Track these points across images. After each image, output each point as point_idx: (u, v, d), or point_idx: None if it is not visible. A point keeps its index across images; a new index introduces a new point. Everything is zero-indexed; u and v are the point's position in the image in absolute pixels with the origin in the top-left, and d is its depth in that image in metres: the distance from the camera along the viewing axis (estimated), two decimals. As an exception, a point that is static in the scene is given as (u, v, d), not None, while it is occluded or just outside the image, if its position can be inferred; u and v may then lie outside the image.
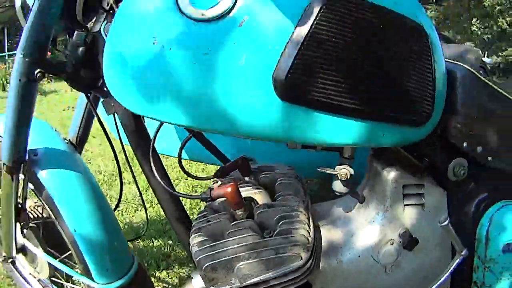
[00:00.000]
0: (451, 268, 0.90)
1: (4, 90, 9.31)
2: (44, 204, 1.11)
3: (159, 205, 1.10)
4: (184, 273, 1.82)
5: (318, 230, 0.94)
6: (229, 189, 0.79)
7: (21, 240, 1.26)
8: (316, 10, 0.65)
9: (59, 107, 6.90)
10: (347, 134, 0.73)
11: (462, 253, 0.90)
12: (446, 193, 0.98)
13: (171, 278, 1.77)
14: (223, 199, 0.84)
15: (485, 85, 0.96)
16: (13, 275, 1.48)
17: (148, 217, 1.74)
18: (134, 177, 1.25)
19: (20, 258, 1.34)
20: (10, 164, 1.01)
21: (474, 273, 1.00)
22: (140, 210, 2.24)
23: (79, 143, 1.27)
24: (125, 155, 1.17)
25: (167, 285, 1.74)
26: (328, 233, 0.95)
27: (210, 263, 0.78)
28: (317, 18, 0.65)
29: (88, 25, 0.95)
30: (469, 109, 0.93)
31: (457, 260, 0.90)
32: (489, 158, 0.98)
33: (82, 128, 1.26)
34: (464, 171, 0.95)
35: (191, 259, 1.83)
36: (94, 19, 0.95)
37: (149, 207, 2.26)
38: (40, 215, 1.30)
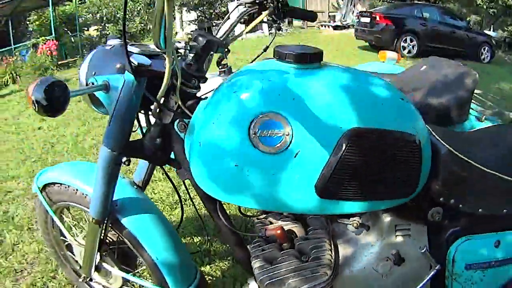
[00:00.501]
0: (428, 277, 1.27)
1: (14, 82, 9.14)
2: (125, 239, 1.37)
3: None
4: (224, 266, 2.09)
5: (337, 248, 1.29)
6: (279, 231, 1.19)
7: (97, 261, 1.49)
8: (344, 144, 1.00)
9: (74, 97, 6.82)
10: (359, 207, 1.10)
11: (436, 268, 1.27)
12: (426, 228, 1.33)
13: (215, 271, 2.06)
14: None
15: (460, 160, 1.24)
16: None
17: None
18: (181, 202, 1.57)
19: (95, 275, 1.57)
20: (99, 218, 1.28)
21: (446, 281, 1.37)
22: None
23: (144, 185, 1.50)
24: (190, 197, 1.52)
25: (212, 278, 2.02)
26: (343, 250, 1.30)
27: (268, 281, 1.15)
28: (345, 149, 1.00)
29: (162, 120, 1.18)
30: (446, 178, 1.25)
31: (432, 272, 1.27)
32: (460, 206, 1.30)
33: (147, 175, 1.48)
34: (439, 216, 1.30)
35: (228, 254, 2.17)
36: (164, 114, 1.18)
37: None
38: (114, 241, 1.53)
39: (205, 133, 1.03)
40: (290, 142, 0.99)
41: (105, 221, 1.31)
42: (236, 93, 1.02)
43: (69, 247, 1.74)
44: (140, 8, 15.58)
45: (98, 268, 1.52)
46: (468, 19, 12.03)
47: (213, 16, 15.55)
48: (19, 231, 2.55)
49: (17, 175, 3.47)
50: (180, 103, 1.13)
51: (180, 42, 1.14)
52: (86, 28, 15.46)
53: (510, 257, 1.42)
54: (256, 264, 1.19)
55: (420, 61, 2.40)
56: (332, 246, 1.25)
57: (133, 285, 1.63)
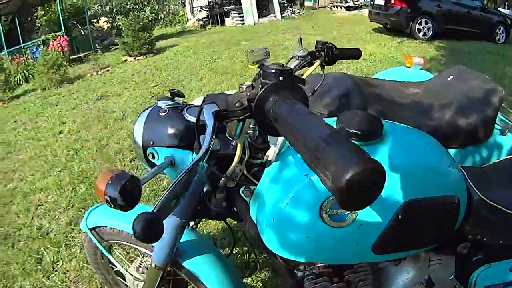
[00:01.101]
0: None
1: (27, 81, 9.24)
2: (185, 276, 1.42)
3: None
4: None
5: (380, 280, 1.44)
6: (330, 269, 1.34)
7: None
8: (400, 215, 1.11)
9: (90, 95, 6.78)
10: (404, 255, 1.29)
11: None
12: (454, 258, 1.44)
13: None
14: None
15: (489, 205, 1.34)
16: None
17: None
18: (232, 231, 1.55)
19: None
20: (163, 267, 1.31)
21: None
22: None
23: (196, 224, 1.52)
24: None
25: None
26: (384, 277, 1.44)
27: None
28: (400, 219, 1.11)
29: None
30: (477, 221, 1.36)
31: None
32: (484, 240, 1.40)
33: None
34: (467, 250, 1.42)
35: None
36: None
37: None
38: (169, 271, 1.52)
39: (278, 210, 1.10)
40: (356, 217, 1.10)
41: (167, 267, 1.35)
42: (308, 176, 1.08)
43: (119, 273, 1.76)
44: (150, -2, 15.48)
45: None
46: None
47: (224, 1, 15.48)
48: (56, 248, 2.55)
49: (45, 187, 3.46)
50: (246, 173, 1.20)
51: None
52: (95, 20, 15.32)
53: None
54: None
55: (445, 69, 2.37)
56: (376, 276, 1.39)
57: None
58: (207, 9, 15.27)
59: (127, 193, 0.81)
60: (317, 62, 1.67)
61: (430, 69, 6.87)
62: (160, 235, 0.78)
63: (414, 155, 1.21)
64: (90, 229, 1.53)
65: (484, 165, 1.80)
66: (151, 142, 1.23)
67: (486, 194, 1.37)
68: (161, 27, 16.36)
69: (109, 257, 1.60)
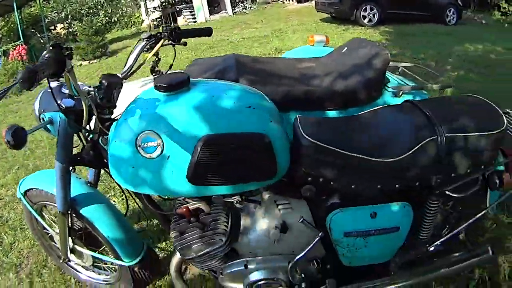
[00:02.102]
0: (313, 242, 1.57)
1: None
2: (86, 224, 1.79)
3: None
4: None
5: (237, 220, 1.58)
6: (185, 210, 1.52)
7: (71, 245, 1.91)
8: (199, 147, 1.32)
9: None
10: (226, 190, 1.43)
11: (319, 235, 1.57)
12: (305, 202, 1.59)
13: (169, 246, 2.50)
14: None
15: (322, 148, 1.45)
16: (67, 271, 2.24)
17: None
18: (127, 202, 1.92)
19: (72, 257, 2.00)
20: (63, 211, 1.71)
21: (333, 246, 1.63)
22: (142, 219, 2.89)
23: (95, 183, 1.95)
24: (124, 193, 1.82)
25: (167, 252, 2.47)
26: (244, 221, 1.62)
27: (180, 247, 1.47)
28: (200, 151, 1.32)
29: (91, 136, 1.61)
30: (308, 163, 1.49)
31: (316, 238, 1.57)
32: (331, 184, 1.53)
33: (95, 176, 1.94)
34: (312, 193, 1.53)
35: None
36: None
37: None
38: (81, 228, 1.92)
39: (113, 147, 1.41)
40: (162, 150, 1.34)
41: (69, 212, 1.75)
42: (126, 120, 1.38)
43: (52, 238, 2.15)
44: (103, 2, 15.58)
45: (73, 251, 1.95)
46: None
47: (176, 1, 15.62)
48: (13, 232, 2.98)
49: (5, 183, 3.89)
50: (100, 125, 1.54)
51: (90, 87, 1.55)
52: (53, 27, 15.30)
53: (388, 227, 1.61)
54: (172, 235, 1.51)
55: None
56: (230, 218, 1.52)
57: (100, 260, 2.04)
58: (160, 10, 15.40)
59: (16, 136, 1.19)
60: (162, 40, 1.90)
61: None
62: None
63: (213, 98, 1.41)
64: (23, 195, 1.93)
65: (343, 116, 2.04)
66: (42, 110, 1.62)
67: (323, 137, 1.46)
68: (117, 30, 16.40)
69: (40, 220, 2.00)
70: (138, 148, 1.35)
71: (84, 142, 1.64)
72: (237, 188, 1.45)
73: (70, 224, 1.84)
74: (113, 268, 2.13)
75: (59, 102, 1.46)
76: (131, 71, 1.74)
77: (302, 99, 2.19)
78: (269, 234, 1.61)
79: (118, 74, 1.63)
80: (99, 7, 15.52)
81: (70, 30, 14.68)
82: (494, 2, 13.45)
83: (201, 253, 1.47)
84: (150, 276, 2.02)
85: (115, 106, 1.58)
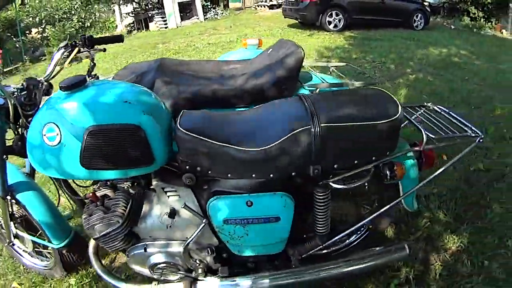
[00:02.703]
0: (198, 229, 1.67)
1: None
2: (22, 209, 2.04)
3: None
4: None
5: (138, 207, 1.71)
6: (91, 194, 1.69)
7: (14, 231, 2.16)
8: (86, 136, 1.47)
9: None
10: (114, 175, 1.57)
11: (203, 221, 1.66)
12: (189, 189, 1.70)
13: None
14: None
15: (193, 138, 1.54)
16: (13, 254, 2.45)
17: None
18: (58, 191, 2.00)
19: (16, 242, 2.26)
20: (3, 196, 1.95)
21: (217, 233, 1.72)
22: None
23: (32, 173, 2.22)
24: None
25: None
26: (145, 207, 1.75)
27: (86, 227, 1.62)
28: (87, 141, 1.47)
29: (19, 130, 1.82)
30: (183, 152, 1.58)
31: (201, 225, 1.67)
32: (209, 173, 1.61)
33: (31, 167, 2.18)
34: (191, 181, 1.64)
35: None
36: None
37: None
38: (22, 215, 2.13)
39: (29, 137, 1.61)
40: (61, 139, 1.51)
41: (8, 198, 1.97)
42: (38, 114, 1.60)
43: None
44: (77, 7, 15.61)
45: (17, 237, 2.21)
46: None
47: (149, 6, 15.66)
48: None
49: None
50: (24, 120, 1.78)
51: (14, 88, 1.81)
52: (28, 32, 15.38)
53: (266, 216, 1.66)
54: (83, 217, 1.67)
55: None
56: (131, 203, 1.64)
57: (39, 245, 2.30)
58: (133, 15, 15.49)
59: None
60: (76, 49, 2.14)
61: (332, 56, 7.45)
62: None
63: (98, 95, 1.56)
64: None
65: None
66: None
67: (193, 129, 1.56)
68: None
69: None
70: (44, 137, 1.53)
71: (14, 134, 1.86)
72: (121, 174, 1.58)
73: (11, 210, 2.07)
74: (52, 254, 2.32)
75: None
76: (52, 75, 2.01)
77: (210, 98, 2.30)
78: (162, 220, 1.75)
79: (41, 78, 1.92)
80: (73, 12, 15.52)
81: (44, 34, 14.70)
82: (464, 8, 13.73)
83: (102, 233, 1.61)
84: (78, 259, 2.25)
85: (37, 104, 1.84)
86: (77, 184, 1.95)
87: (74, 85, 1.55)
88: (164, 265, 1.80)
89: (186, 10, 15.22)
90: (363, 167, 1.61)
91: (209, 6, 16.01)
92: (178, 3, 14.64)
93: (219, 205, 1.65)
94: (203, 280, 1.79)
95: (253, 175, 1.58)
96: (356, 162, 1.58)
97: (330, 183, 1.63)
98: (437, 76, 6.18)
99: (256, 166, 1.55)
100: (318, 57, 7.56)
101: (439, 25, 12.97)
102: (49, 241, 2.10)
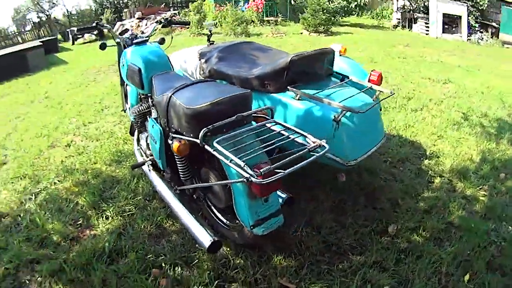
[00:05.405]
0: None
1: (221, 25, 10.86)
2: None
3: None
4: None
5: None
6: None
7: None
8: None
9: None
10: None
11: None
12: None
13: None
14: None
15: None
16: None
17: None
18: None
19: None
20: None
21: None
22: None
23: None
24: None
25: None
26: None
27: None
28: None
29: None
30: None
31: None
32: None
33: None
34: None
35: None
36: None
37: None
38: None
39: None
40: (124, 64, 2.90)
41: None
42: (125, 55, 2.83)
43: None
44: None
45: None
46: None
47: (416, 7, 15.35)
48: None
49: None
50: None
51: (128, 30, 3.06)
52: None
53: None
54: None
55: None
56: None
57: None
58: (401, 11, 15.44)
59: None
60: (160, 25, 3.24)
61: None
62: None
63: (143, 50, 2.70)
64: None
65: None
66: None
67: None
68: (356, 16, 16.90)
69: None
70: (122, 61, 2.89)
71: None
72: None
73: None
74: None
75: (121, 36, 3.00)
76: (149, 36, 3.05)
77: (226, 76, 3.03)
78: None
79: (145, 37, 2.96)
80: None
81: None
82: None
83: None
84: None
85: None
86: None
87: (139, 43, 2.79)
88: None
89: (452, 24, 14.68)
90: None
91: (476, 29, 15.13)
92: (443, 14, 14.26)
93: None
94: None
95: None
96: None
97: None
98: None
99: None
100: None
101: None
102: None
